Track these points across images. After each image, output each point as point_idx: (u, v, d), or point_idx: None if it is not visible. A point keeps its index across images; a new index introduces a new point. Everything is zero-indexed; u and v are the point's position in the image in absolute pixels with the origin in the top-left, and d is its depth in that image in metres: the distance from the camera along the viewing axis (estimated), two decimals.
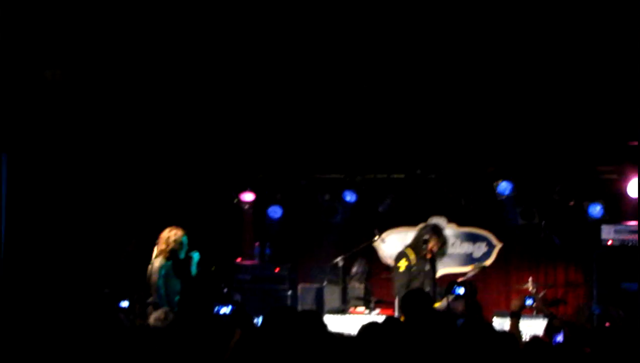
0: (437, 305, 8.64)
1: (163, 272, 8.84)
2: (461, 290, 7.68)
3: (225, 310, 9.73)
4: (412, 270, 9.46)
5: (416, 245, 9.62)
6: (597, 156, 11.06)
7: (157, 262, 8.98)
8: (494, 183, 11.23)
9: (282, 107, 10.28)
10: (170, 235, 8.98)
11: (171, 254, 8.92)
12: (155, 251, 9.03)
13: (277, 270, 11.30)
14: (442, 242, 9.80)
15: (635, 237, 10.41)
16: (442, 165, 11.51)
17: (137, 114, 10.25)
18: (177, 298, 8.73)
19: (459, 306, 8.87)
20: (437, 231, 9.74)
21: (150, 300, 8.87)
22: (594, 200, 11.03)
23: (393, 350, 4.53)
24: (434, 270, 9.49)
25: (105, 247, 10.69)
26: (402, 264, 9.49)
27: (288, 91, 9.91)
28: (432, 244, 9.51)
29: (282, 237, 12.05)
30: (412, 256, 9.53)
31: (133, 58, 9.45)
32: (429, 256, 9.44)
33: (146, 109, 10.16)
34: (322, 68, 9.69)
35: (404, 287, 9.20)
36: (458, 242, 12.02)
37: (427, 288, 9.14)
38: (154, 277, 8.91)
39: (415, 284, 9.33)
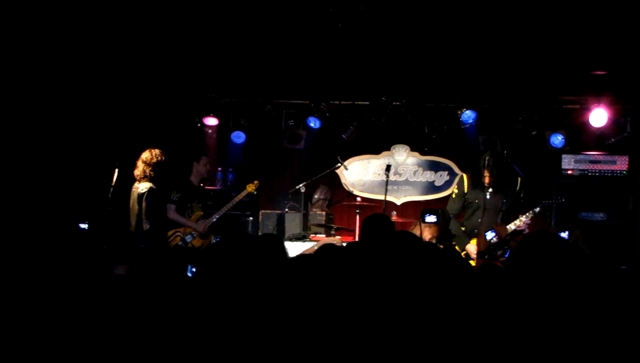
0: (415, 232, 8.63)
1: (151, 196, 8.80)
2: (432, 218, 7.64)
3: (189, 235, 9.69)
4: (466, 197, 9.07)
5: (474, 170, 9.07)
6: (559, 86, 11.00)
7: (141, 186, 8.90)
8: (458, 112, 11.20)
9: (248, 30, 9.99)
10: (153, 156, 8.90)
11: (154, 176, 8.88)
12: (137, 175, 8.98)
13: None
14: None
15: (596, 166, 10.49)
16: (407, 93, 11.38)
17: (96, 40, 9.98)
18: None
19: (430, 233, 8.89)
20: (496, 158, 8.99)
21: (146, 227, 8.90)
22: (555, 130, 11.01)
23: (347, 269, 4.38)
24: (498, 201, 8.92)
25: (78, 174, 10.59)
26: (455, 190, 9.23)
27: (255, 14, 9.67)
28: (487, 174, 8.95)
29: (244, 162, 11.95)
30: (466, 183, 9.11)
31: None
32: (487, 181, 8.90)
33: (107, 34, 9.89)
34: None
35: (452, 217, 9.05)
36: (420, 170, 12.04)
37: (479, 220, 8.93)
38: (144, 204, 8.85)
39: (468, 214, 9.12)
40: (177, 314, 3.85)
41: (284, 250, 4.64)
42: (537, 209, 8.50)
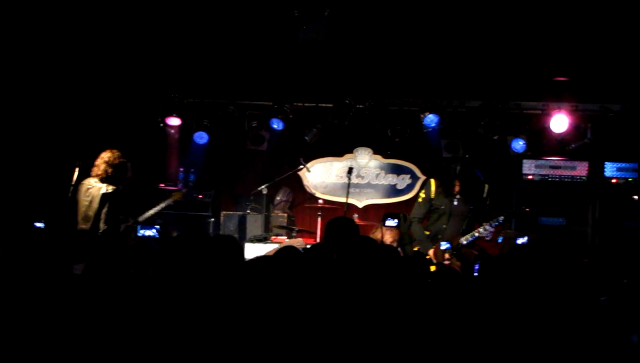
0: (376, 235, 8.72)
1: (114, 197, 8.73)
2: (393, 222, 7.63)
3: (150, 232, 9.63)
4: (433, 203, 9.00)
5: (443, 179, 9.06)
6: (521, 91, 11.01)
7: (103, 186, 8.78)
8: (421, 116, 11.13)
9: (212, 30, 9.83)
10: (115, 156, 8.79)
11: (112, 177, 8.77)
12: (96, 174, 8.86)
13: (200, 196, 11.10)
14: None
15: (556, 172, 10.60)
16: (370, 96, 11.30)
17: (56, 38, 9.82)
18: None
19: (390, 236, 8.89)
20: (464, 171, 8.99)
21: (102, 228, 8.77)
22: (517, 135, 11.00)
23: (308, 272, 4.51)
24: (464, 208, 8.94)
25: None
26: (422, 194, 9.13)
27: (219, 15, 9.57)
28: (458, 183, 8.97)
29: (207, 163, 11.81)
30: (433, 188, 9.04)
31: None
32: (456, 189, 8.92)
33: (68, 31, 9.74)
34: None
35: (416, 221, 9.01)
36: (383, 173, 11.99)
37: (443, 225, 8.91)
38: (107, 204, 8.75)
39: (433, 218, 9.04)
40: (132, 314, 3.86)
41: (239, 252, 4.61)
42: (501, 218, 8.51)
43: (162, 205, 9.30)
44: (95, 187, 8.85)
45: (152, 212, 9.15)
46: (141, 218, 9.02)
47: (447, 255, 8.14)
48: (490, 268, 4.62)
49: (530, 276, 4.31)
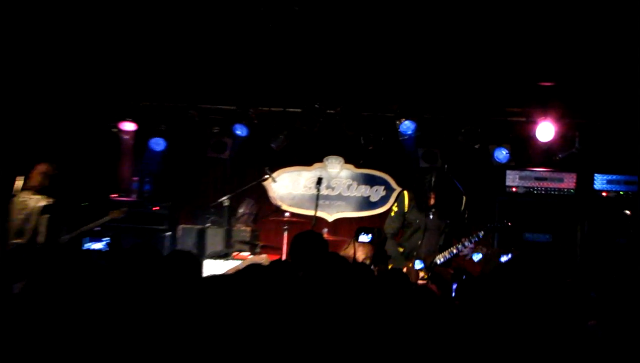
0: (348, 252, 8.60)
1: (51, 211, 8.68)
2: (366, 237, 7.53)
3: (98, 246, 9.52)
4: (406, 217, 8.95)
5: (417, 190, 9.01)
6: (504, 97, 11.01)
7: (36, 200, 8.68)
8: (397, 122, 11.08)
9: (171, 29, 9.77)
10: (51, 168, 8.77)
11: (48, 189, 8.72)
12: (31, 187, 8.76)
13: (156, 208, 11.05)
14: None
15: (542, 184, 10.55)
16: (342, 101, 11.27)
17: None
18: None
19: (363, 253, 8.80)
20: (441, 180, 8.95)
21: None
22: (500, 143, 11.00)
23: (271, 292, 4.35)
24: (440, 222, 8.90)
25: None
26: (395, 208, 9.09)
27: (178, 11, 9.46)
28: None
29: (164, 172, 11.75)
30: (406, 201, 9.01)
31: None
32: (431, 202, 8.85)
33: (15, 32, 9.56)
34: None
35: (389, 236, 8.93)
36: (355, 184, 11.98)
37: (419, 241, 8.84)
38: (45, 218, 8.67)
39: (408, 233, 9.00)
40: (76, 337, 3.76)
41: (197, 269, 4.61)
42: (481, 234, 8.41)
43: (97, 223, 9.26)
44: (32, 199, 8.75)
45: (84, 229, 9.16)
46: (64, 238, 8.99)
47: (422, 274, 8.11)
48: (470, 289, 4.58)
49: (513, 297, 4.29)
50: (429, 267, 8.12)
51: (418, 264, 8.06)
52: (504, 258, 7.71)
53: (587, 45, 9.34)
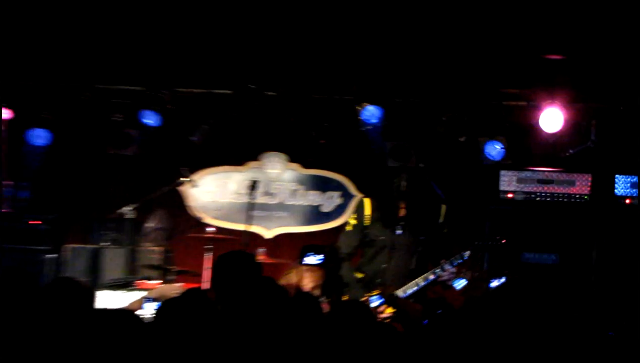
0: (291, 278, 8.53)
1: None
2: (314, 259, 7.45)
3: None
4: (367, 232, 8.84)
5: (382, 197, 8.94)
6: (499, 75, 11.04)
7: None
8: (357, 108, 11.10)
9: None
10: None
11: None
12: None
13: (35, 222, 10.98)
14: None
15: (547, 188, 10.66)
16: (285, 80, 11.39)
17: None
18: None
19: (312, 280, 8.53)
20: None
21: None
22: (493, 136, 11.02)
23: (177, 334, 4.59)
24: (412, 240, 8.80)
25: None
26: (351, 220, 8.94)
27: None
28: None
29: (47, 174, 11.75)
30: (368, 211, 8.88)
31: None
32: (401, 213, 8.77)
33: None
34: None
35: (344, 258, 8.82)
36: (302, 190, 12.12)
37: (383, 265, 8.72)
38: None
39: (370, 253, 8.88)
40: None
41: (88, 303, 4.82)
42: (466, 254, 8.40)
43: None
44: None
45: None
46: None
47: (386, 311, 8.04)
48: (448, 326, 4.79)
49: (504, 335, 4.54)
50: (389, 300, 8.06)
51: (374, 301, 7.99)
52: (494, 283, 7.81)
53: (606, 4, 9.39)
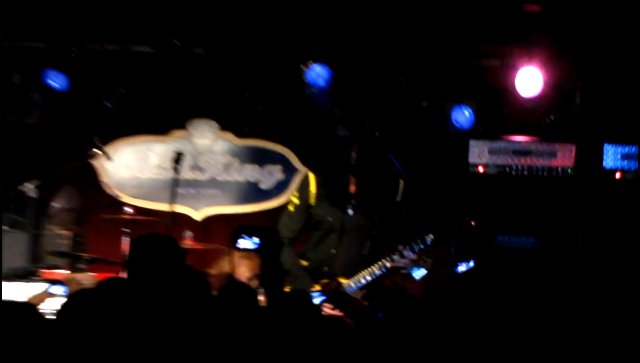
0: (223, 266, 8.65)
1: None
2: (249, 243, 7.35)
3: None
4: (313, 212, 8.86)
5: (329, 171, 8.99)
6: (467, 29, 11.03)
7: None
8: (301, 68, 11.10)
9: None
10: None
11: None
12: None
13: None
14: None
15: (523, 160, 10.79)
16: (215, 35, 11.39)
17: None
18: None
19: (248, 268, 8.66)
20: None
21: None
22: (460, 100, 11.09)
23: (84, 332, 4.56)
24: (365, 221, 8.85)
25: None
26: (294, 199, 8.97)
27: None
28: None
29: None
30: (313, 189, 8.88)
31: None
32: (351, 190, 8.81)
33: None
34: None
35: (287, 243, 8.84)
36: (236, 163, 12.22)
37: (332, 250, 8.75)
38: None
39: (316, 237, 8.91)
40: None
41: None
42: (429, 238, 8.45)
43: None
44: None
45: None
46: None
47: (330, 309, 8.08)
48: (403, 318, 4.97)
49: (470, 331, 4.64)
50: (331, 297, 8.09)
51: (316, 297, 7.95)
52: (461, 268, 7.81)
53: None
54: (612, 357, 5.04)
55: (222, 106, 11.98)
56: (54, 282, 7.90)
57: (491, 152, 10.71)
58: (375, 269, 8.40)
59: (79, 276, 9.30)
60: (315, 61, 11.06)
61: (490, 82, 11.23)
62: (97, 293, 5.21)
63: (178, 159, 10.29)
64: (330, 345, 4.82)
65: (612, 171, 10.53)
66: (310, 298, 7.94)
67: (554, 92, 10.93)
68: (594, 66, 11.01)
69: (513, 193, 10.62)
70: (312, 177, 8.91)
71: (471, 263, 7.93)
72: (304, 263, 8.77)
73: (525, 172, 10.62)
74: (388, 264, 8.37)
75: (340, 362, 4.75)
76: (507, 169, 10.66)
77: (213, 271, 8.32)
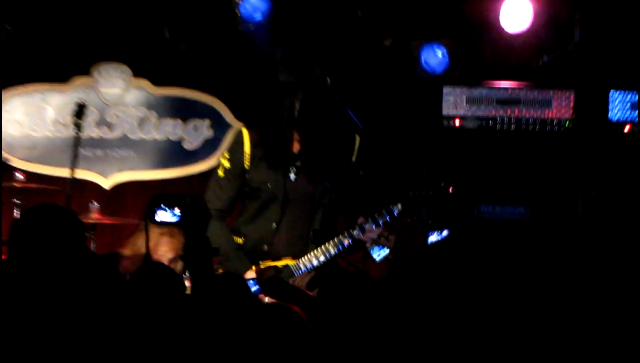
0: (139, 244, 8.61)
1: None
2: (168, 216, 7.35)
3: None
4: (248, 178, 8.88)
5: (267, 125, 9.02)
6: None
7: None
8: None
9: None
10: None
11: None
12: None
13: None
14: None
15: (510, 112, 10.80)
16: None
17: None
18: None
19: (169, 247, 8.70)
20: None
21: None
22: (432, 38, 11.11)
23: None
24: (313, 188, 8.90)
25: None
26: (225, 162, 8.99)
27: None
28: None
29: None
30: (248, 149, 8.91)
31: None
32: (294, 149, 8.85)
33: None
34: None
35: (216, 216, 8.65)
36: (154, 118, 12.21)
37: (273, 224, 8.78)
38: None
39: (253, 208, 8.95)
40: None
41: None
42: (396, 209, 8.47)
43: None
44: None
45: None
46: None
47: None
48: (368, 310, 5.01)
49: (440, 316, 4.65)
50: (267, 288, 8.25)
51: (252, 285, 8.13)
52: (433, 237, 7.84)
53: None
54: (612, 353, 5.03)
55: (136, 47, 11.93)
56: None
57: (470, 101, 10.67)
58: (331, 247, 8.44)
59: None
60: None
61: (469, 16, 11.20)
62: None
63: (80, 112, 10.30)
64: (272, 341, 4.83)
65: (619, 124, 10.51)
66: (246, 282, 8.06)
67: (547, 26, 10.98)
68: None
69: (497, 153, 10.63)
70: (246, 134, 8.93)
71: (444, 233, 7.96)
72: (238, 240, 8.80)
73: (513, 126, 10.60)
74: (346, 241, 8.41)
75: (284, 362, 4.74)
76: (489, 121, 10.63)
77: (126, 251, 8.43)
